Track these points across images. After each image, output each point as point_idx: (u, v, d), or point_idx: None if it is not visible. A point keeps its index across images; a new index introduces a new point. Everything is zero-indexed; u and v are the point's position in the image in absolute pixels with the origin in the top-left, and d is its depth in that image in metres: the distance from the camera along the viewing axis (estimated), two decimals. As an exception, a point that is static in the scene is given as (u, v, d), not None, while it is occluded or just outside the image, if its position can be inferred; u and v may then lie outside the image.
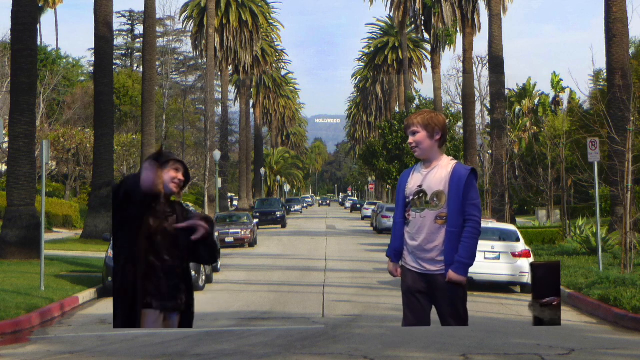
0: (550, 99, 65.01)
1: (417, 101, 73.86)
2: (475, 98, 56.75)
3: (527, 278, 18.36)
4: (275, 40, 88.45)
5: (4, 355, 10.91)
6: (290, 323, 13.52)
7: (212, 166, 52.82)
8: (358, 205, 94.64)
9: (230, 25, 71.71)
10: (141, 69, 51.06)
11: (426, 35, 62.77)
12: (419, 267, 6.31)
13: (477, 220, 6.19)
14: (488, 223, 22.87)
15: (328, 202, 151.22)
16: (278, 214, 54.46)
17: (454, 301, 6.27)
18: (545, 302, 6.07)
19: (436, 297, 6.34)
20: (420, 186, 6.26)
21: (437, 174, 6.28)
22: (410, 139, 6.41)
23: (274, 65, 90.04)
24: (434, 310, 6.57)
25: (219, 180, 53.31)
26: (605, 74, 36.83)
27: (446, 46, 63.05)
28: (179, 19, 75.44)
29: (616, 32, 28.05)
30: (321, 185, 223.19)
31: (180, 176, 6.09)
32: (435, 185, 6.22)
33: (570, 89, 62.97)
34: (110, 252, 18.68)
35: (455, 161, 6.38)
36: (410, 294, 6.51)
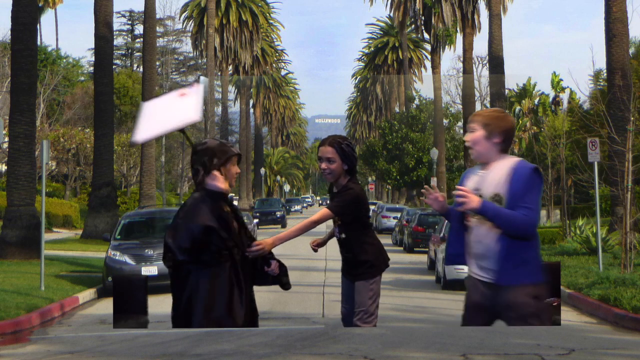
0: (550, 99, 64.96)
1: (417, 101, 73.88)
2: (475, 98, 56.82)
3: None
4: (275, 40, 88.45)
5: (4, 355, 10.91)
6: (290, 323, 13.52)
7: (212, 166, 52.73)
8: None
9: (230, 25, 71.73)
10: (141, 69, 51.06)
11: (426, 35, 62.79)
12: (484, 275, 5.70)
13: (527, 217, 5.46)
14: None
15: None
16: (278, 214, 54.46)
17: (524, 318, 5.67)
18: (545, 302, 6.05)
19: (502, 313, 5.74)
20: (477, 190, 5.66)
21: (495, 176, 5.65)
22: (466, 137, 5.76)
23: (274, 65, 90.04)
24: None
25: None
26: (605, 74, 36.82)
27: (446, 46, 63.07)
28: (179, 19, 75.52)
29: (616, 32, 28.05)
30: (321, 185, 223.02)
31: (238, 168, 5.70)
32: (493, 188, 5.62)
33: (570, 89, 62.92)
34: (111, 252, 18.67)
35: (518, 159, 5.70)
36: (472, 310, 5.87)
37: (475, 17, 54.40)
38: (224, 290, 5.50)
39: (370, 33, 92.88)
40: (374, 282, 6.93)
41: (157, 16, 57.64)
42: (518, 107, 67.00)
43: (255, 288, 5.90)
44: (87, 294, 17.58)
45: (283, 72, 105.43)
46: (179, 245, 5.41)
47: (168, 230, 5.50)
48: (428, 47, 71.96)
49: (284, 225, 53.16)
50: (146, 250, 18.64)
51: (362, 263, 6.95)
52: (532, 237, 5.57)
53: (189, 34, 73.64)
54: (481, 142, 5.70)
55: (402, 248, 34.30)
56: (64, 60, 73.25)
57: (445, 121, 66.04)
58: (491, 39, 43.31)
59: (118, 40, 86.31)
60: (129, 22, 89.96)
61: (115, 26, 73.35)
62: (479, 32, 54.59)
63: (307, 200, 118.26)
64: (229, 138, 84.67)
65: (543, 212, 46.32)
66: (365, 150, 75.83)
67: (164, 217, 21.81)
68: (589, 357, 10.53)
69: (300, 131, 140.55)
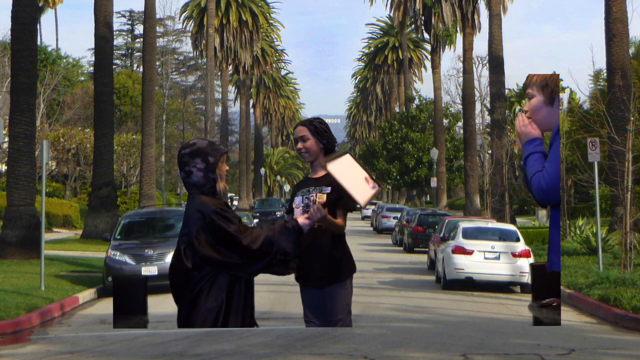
0: (550, 99, 64.96)
1: (417, 101, 73.87)
2: (475, 98, 56.78)
3: (527, 278, 18.38)
4: (275, 40, 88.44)
5: (4, 355, 10.91)
6: (290, 323, 13.52)
7: (212, 166, 52.74)
8: (358, 205, 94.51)
9: (230, 25, 71.72)
10: (141, 69, 51.07)
11: (426, 35, 62.81)
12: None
13: (542, 175, 4.67)
14: (488, 223, 22.90)
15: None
16: (278, 214, 54.44)
17: None
18: (545, 302, 6.07)
19: None
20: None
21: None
22: (525, 107, 4.88)
23: (274, 65, 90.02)
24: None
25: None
26: (605, 74, 36.84)
27: (446, 46, 63.10)
28: (179, 19, 75.49)
29: (616, 32, 28.07)
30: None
31: (227, 166, 5.63)
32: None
33: (570, 89, 62.90)
34: (111, 252, 18.67)
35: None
36: None
37: (475, 17, 54.42)
38: (241, 297, 5.66)
39: (370, 33, 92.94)
40: (351, 280, 6.31)
41: (157, 16, 57.63)
42: (518, 107, 67.03)
43: (255, 287, 5.98)
44: (87, 294, 17.58)
45: (283, 72, 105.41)
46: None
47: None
48: (428, 47, 71.99)
49: (284, 225, 52.99)
50: (146, 250, 18.65)
51: (344, 260, 6.27)
52: (539, 201, 4.78)
53: (189, 34, 73.63)
54: (543, 110, 4.73)
55: (402, 248, 34.29)
56: (64, 60, 73.23)
57: (445, 121, 66.04)
58: (491, 39, 43.34)
59: (118, 40, 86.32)
60: (129, 22, 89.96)
61: (115, 26, 73.34)
62: (479, 32, 54.64)
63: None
64: (229, 138, 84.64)
65: (543, 212, 46.33)
66: (365, 150, 75.85)
67: (164, 217, 21.81)
68: (589, 357, 10.53)
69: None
